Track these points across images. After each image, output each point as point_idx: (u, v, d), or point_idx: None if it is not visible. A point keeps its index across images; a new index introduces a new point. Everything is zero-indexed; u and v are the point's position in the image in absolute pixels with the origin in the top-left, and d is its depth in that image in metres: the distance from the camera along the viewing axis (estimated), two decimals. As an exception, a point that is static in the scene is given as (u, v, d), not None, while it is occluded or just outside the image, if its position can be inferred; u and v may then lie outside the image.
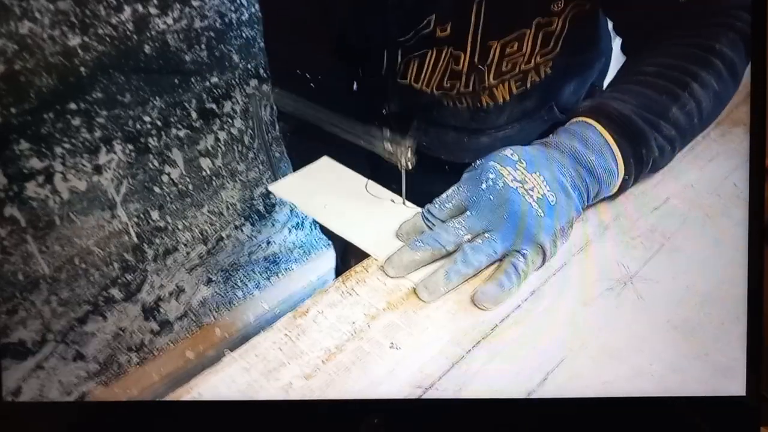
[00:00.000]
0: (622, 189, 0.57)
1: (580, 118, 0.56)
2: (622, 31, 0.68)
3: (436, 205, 0.53)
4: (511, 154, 0.53)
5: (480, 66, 0.62)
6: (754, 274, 0.49)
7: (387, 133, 0.60)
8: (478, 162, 0.54)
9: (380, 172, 0.64)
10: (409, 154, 0.58)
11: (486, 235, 0.50)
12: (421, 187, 0.58)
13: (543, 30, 0.61)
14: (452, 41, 0.61)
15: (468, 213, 0.51)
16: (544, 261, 0.51)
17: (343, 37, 0.63)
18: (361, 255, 0.56)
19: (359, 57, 0.65)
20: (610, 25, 0.70)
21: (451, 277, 0.49)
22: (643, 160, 0.55)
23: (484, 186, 0.51)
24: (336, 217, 0.58)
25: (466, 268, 0.49)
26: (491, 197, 0.51)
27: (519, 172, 0.52)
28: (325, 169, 0.65)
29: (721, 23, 0.58)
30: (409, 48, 0.62)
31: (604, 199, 0.57)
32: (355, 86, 0.69)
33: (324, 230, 0.83)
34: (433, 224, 0.53)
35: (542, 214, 0.50)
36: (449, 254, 0.51)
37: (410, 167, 0.58)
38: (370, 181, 0.61)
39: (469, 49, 0.61)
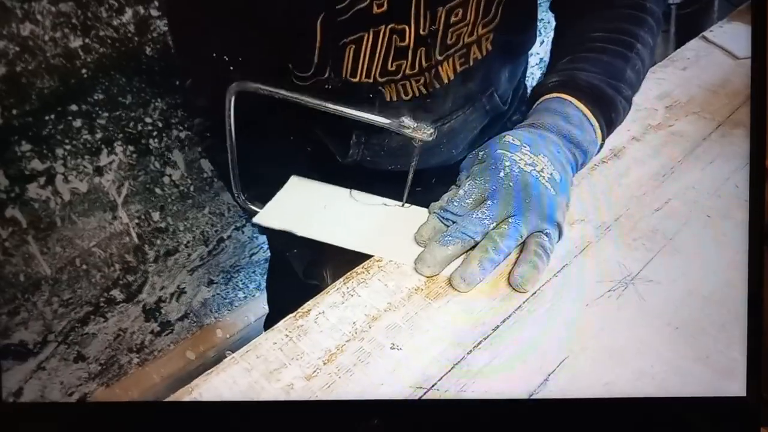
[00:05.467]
0: (598, 152, 0.61)
1: (554, 95, 0.59)
2: None
3: (455, 203, 0.53)
4: (513, 140, 0.54)
5: (427, 37, 0.60)
6: (754, 275, 0.49)
7: (405, 114, 0.57)
8: (480, 154, 0.55)
9: (338, 177, 0.62)
10: (430, 128, 0.55)
11: (510, 220, 0.51)
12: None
13: None
14: (392, 16, 0.58)
15: (489, 202, 0.52)
16: (560, 236, 0.53)
17: (270, 16, 0.57)
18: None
19: (289, 41, 0.59)
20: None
21: (486, 266, 0.50)
22: (613, 123, 0.59)
23: (502, 174, 0.52)
24: (342, 233, 0.56)
25: (497, 255, 0.50)
26: (511, 184, 0.52)
27: (527, 156, 0.53)
28: (300, 188, 0.61)
29: None
30: (342, 32, 0.57)
31: (604, 201, 0.58)
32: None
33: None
34: (455, 222, 0.53)
35: (554, 193, 0.52)
36: (477, 243, 0.52)
37: (431, 138, 0.55)
38: (354, 190, 0.60)
39: (413, 19, 0.58)
